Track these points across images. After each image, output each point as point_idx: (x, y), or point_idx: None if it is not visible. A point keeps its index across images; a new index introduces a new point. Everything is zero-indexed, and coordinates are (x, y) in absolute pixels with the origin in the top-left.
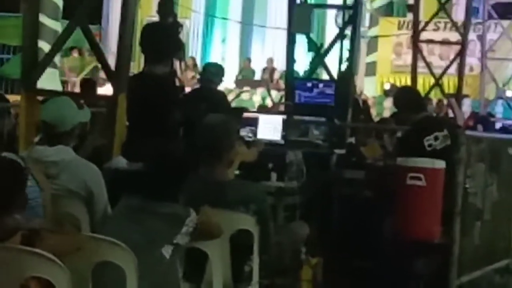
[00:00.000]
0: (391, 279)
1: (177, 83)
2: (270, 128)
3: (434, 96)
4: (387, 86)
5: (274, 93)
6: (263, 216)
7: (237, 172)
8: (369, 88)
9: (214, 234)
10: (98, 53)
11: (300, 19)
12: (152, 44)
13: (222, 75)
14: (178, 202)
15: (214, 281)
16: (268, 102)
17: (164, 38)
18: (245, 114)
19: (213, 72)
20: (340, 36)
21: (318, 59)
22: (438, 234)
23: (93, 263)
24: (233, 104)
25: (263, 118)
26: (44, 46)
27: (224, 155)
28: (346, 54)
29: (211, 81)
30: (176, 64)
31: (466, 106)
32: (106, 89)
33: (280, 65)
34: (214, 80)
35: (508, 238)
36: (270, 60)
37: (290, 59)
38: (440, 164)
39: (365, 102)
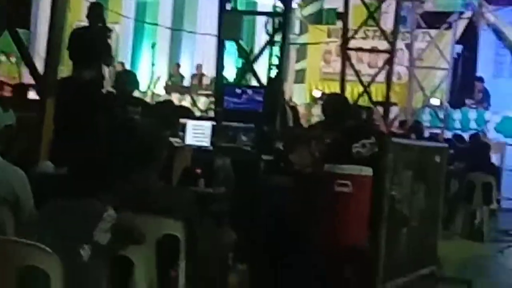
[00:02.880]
0: (318, 285)
1: (106, 88)
2: (198, 134)
3: (363, 103)
4: (316, 94)
5: (203, 99)
6: (190, 222)
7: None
8: (298, 95)
9: (136, 239)
10: (26, 58)
11: (229, 26)
12: (80, 48)
13: (136, 82)
14: (97, 199)
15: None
16: (197, 110)
17: (92, 43)
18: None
19: (125, 80)
20: (270, 42)
21: (248, 66)
22: (364, 240)
23: (17, 268)
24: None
25: (191, 124)
26: None
27: (155, 161)
28: (275, 61)
29: (123, 88)
30: (105, 69)
31: (393, 114)
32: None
33: (210, 71)
34: (126, 87)
35: (434, 245)
36: (199, 66)
37: (220, 65)
38: (367, 171)
39: (294, 108)
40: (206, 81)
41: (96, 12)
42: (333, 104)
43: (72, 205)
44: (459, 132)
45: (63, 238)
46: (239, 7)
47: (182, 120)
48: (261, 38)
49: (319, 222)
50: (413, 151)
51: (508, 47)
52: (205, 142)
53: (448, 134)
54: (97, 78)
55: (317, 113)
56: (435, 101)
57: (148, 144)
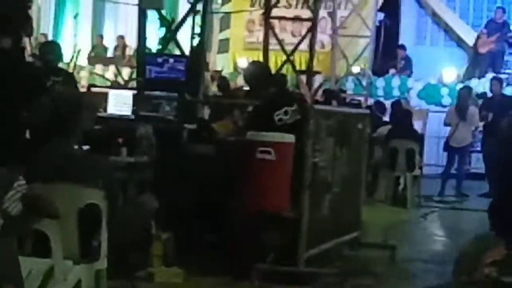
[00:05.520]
0: (242, 252)
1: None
2: (120, 103)
3: (286, 72)
4: (240, 63)
5: (126, 70)
6: (112, 190)
7: (86, 146)
8: (222, 65)
9: (48, 213)
10: None
11: None
12: None
13: (59, 53)
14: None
15: (54, 260)
16: (120, 80)
17: (9, 10)
18: (96, 90)
19: (47, 50)
20: (192, 11)
21: (170, 35)
22: (287, 207)
23: None
24: (84, 81)
25: (112, 93)
26: None
27: (73, 127)
28: (198, 30)
29: (47, 59)
30: (25, 40)
31: (318, 82)
32: None
33: (133, 42)
34: (49, 58)
35: (357, 211)
36: (121, 37)
37: (142, 35)
38: (290, 138)
39: (224, 78)
40: (129, 52)
41: None
42: (253, 72)
43: None
44: (381, 99)
45: None
46: None
47: (103, 90)
48: (184, 7)
49: (242, 190)
50: (335, 117)
51: (429, 15)
52: (127, 111)
53: (372, 102)
54: (17, 47)
55: (241, 83)
56: (357, 69)
57: (68, 112)
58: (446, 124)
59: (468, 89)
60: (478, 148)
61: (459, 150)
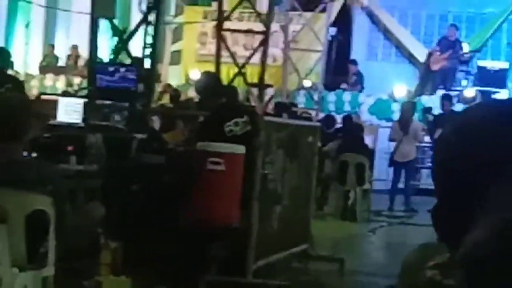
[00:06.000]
0: (189, 263)
1: None
2: (70, 112)
3: (238, 85)
4: (193, 75)
5: (77, 80)
6: (60, 197)
7: (34, 154)
8: (174, 76)
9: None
10: None
11: (102, 3)
12: None
13: (8, 59)
14: None
15: (1, 267)
16: (71, 90)
17: None
18: (46, 97)
19: None
20: (144, 22)
21: (122, 45)
22: (237, 218)
23: None
24: (35, 91)
25: (63, 101)
26: None
27: (22, 133)
28: (150, 41)
29: None
30: None
31: (269, 96)
32: None
33: (86, 52)
34: None
35: (306, 223)
36: (74, 47)
37: (93, 43)
38: (240, 149)
39: (176, 90)
40: (81, 62)
41: None
42: (205, 82)
43: None
44: (332, 113)
45: None
46: None
47: (54, 98)
48: (136, 17)
49: (192, 200)
50: (286, 130)
51: (381, 31)
52: (77, 119)
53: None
54: None
55: (193, 95)
56: (308, 83)
57: (16, 117)
58: (391, 140)
59: (411, 104)
60: (429, 164)
61: (404, 164)
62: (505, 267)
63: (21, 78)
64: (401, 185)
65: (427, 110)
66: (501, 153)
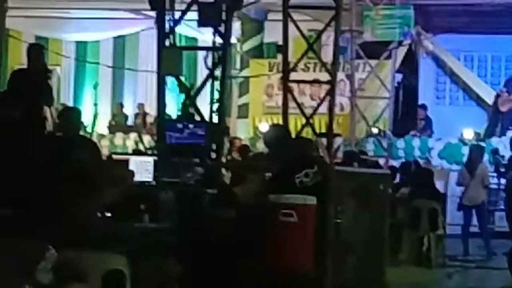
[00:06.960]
0: None
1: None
2: (141, 170)
3: (306, 135)
4: (262, 127)
5: (147, 137)
6: (135, 256)
7: (108, 214)
8: (242, 130)
9: (79, 278)
10: None
11: (168, 61)
12: (19, 89)
13: (79, 119)
14: (39, 238)
15: None
16: (141, 147)
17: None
18: (117, 157)
19: (68, 117)
20: (211, 77)
21: (189, 101)
22: (310, 268)
23: None
24: (106, 150)
25: (134, 160)
26: None
27: (99, 198)
28: (217, 96)
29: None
30: (46, 110)
31: (336, 145)
32: None
33: (154, 109)
34: (70, 126)
35: (381, 271)
36: (142, 106)
37: (161, 101)
38: (311, 200)
39: (245, 144)
40: (150, 119)
41: (35, 53)
42: (274, 134)
43: (12, 245)
44: (403, 160)
45: (2, 278)
46: (179, 43)
47: (125, 157)
48: (202, 73)
49: (265, 252)
50: (356, 179)
51: (448, 74)
52: (148, 177)
53: (393, 163)
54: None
55: (262, 147)
56: (376, 130)
57: (91, 179)
58: (458, 184)
59: (479, 147)
60: (502, 207)
61: (473, 208)
62: None
63: (94, 139)
64: (474, 229)
65: (495, 151)
66: None
